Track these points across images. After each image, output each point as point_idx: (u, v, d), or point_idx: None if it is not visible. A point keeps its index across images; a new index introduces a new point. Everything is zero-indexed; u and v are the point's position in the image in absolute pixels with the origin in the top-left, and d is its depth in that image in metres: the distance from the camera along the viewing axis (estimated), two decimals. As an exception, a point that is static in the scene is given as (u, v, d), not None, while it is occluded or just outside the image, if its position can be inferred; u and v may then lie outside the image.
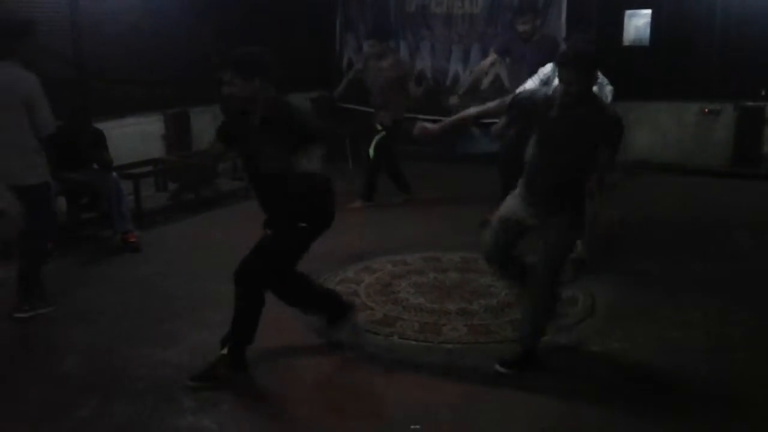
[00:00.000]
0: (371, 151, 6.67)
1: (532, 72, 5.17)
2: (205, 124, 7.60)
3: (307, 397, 3.38)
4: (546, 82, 4.88)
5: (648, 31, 8.21)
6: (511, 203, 3.56)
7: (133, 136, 6.71)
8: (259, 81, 3.33)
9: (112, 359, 3.76)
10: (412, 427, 3.10)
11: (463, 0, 8.47)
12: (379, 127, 6.68)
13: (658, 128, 8.32)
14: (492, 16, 8.30)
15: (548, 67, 4.97)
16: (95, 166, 5.70)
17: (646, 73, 8.13)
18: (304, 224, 3.50)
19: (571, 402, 3.30)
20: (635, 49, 8.26)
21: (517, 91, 4.69)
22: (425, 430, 3.09)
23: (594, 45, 3.40)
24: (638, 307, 4.34)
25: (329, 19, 9.14)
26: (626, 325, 4.08)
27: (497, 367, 3.53)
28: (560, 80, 3.22)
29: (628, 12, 8.27)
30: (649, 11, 8.20)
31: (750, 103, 7.84)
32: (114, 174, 5.67)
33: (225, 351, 3.49)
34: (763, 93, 7.83)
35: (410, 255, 5.26)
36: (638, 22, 8.27)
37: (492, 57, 6.42)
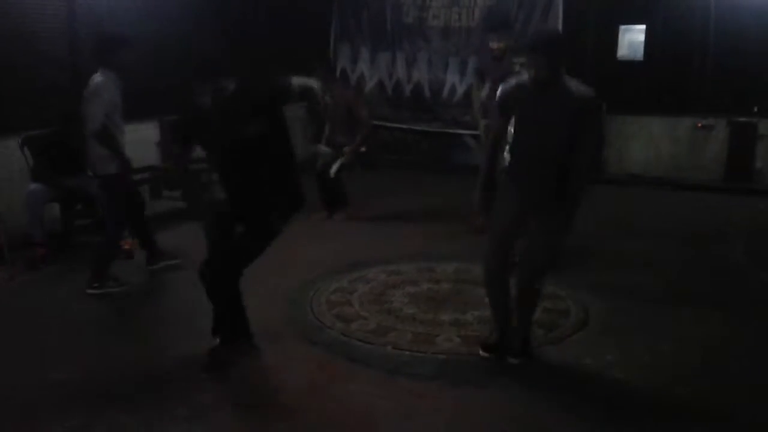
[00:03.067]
0: (333, 172, 6.64)
1: None
2: (200, 132, 7.63)
3: (301, 405, 3.37)
4: None
5: (642, 46, 8.29)
6: (503, 209, 3.57)
7: (128, 143, 6.67)
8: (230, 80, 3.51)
9: (105, 367, 3.74)
10: (404, 437, 3.11)
11: (459, 13, 8.53)
12: (345, 149, 6.66)
13: (651, 142, 8.39)
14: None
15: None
16: (90, 172, 5.69)
17: (640, 87, 8.20)
18: (279, 214, 3.58)
19: (564, 416, 3.29)
20: (629, 63, 8.33)
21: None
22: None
23: (559, 32, 3.54)
24: (631, 320, 4.35)
25: (324, 29, 9.17)
26: (619, 338, 4.09)
27: (511, 359, 3.68)
28: (530, 66, 3.33)
29: (622, 27, 8.34)
30: (643, 27, 8.27)
31: (743, 119, 7.92)
32: (108, 180, 5.66)
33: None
34: (756, 110, 7.91)
35: (404, 265, 5.27)
36: (633, 38, 8.34)
37: (479, 88, 6.21)
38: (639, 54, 8.27)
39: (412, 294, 4.71)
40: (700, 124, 8.13)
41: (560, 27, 7.92)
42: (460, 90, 8.52)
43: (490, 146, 3.71)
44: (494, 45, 5.89)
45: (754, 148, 7.89)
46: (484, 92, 6.01)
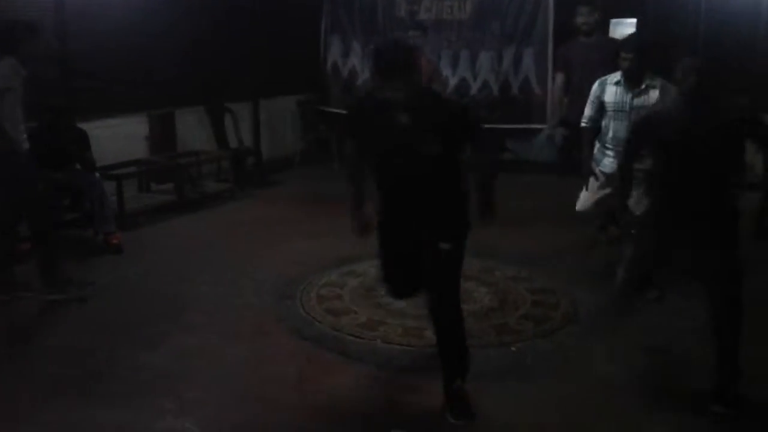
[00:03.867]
0: None
1: (597, 75, 4.75)
2: (190, 126, 7.60)
3: (290, 399, 3.37)
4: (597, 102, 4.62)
5: (633, 39, 8.27)
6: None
7: (117, 137, 6.65)
8: None
9: (95, 361, 3.72)
10: (393, 430, 3.10)
11: (451, 6, 8.50)
12: None
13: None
14: (480, 22, 8.34)
15: (595, 86, 4.64)
16: (78, 166, 5.66)
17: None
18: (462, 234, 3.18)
19: (553, 408, 3.31)
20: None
21: (583, 121, 4.67)
22: (407, 435, 3.09)
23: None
24: (621, 313, 4.36)
25: (316, 23, 9.14)
26: (608, 331, 4.10)
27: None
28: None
29: (613, 20, 8.33)
30: (634, 20, 8.27)
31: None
32: (97, 174, 5.64)
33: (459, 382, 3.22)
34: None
35: (395, 259, 5.26)
36: (624, 31, 8.34)
37: (560, 78, 5.94)
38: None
39: (403, 288, 4.70)
40: None
41: (551, 20, 7.91)
42: (453, 83, 8.50)
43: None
44: (582, 19, 5.59)
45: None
46: (559, 80, 5.83)
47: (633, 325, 4.16)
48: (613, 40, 5.42)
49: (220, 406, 3.31)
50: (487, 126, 5.92)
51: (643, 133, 3.30)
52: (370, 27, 8.91)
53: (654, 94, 4.40)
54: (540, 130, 8.07)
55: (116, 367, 3.66)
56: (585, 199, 4.87)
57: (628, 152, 3.55)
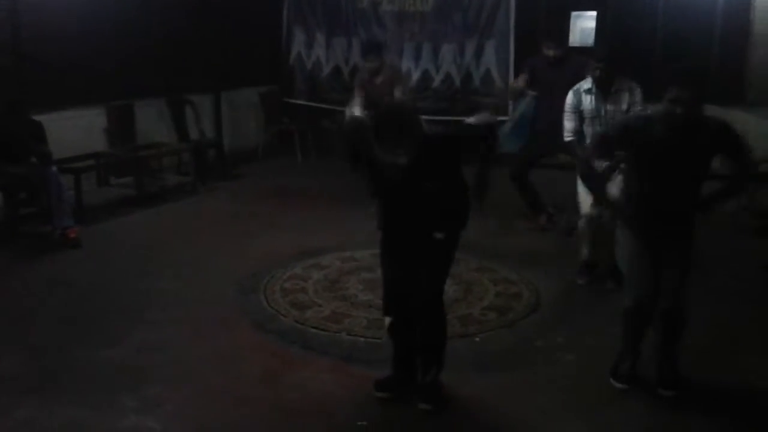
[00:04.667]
0: None
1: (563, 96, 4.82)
2: (150, 118, 7.46)
3: (255, 394, 3.34)
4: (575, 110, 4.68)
5: (593, 32, 8.37)
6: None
7: (74, 129, 6.50)
8: None
9: (52, 358, 3.65)
10: (358, 423, 3.11)
11: (414, -3, 8.48)
12: None
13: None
14: (442, 14, 8.34)
15: (570, 97, 4.71)
16: (33, 159, 5.52)
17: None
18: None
19: (517, 397, 3.34)
20: (581, 50, 8.40)
21: (567, 135, 4.71)
22: (372, 427, 3.09)
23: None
24: (584, 303, 4.42)
25: (278, 13, 9.04)
26: (571, 320, 4.16)
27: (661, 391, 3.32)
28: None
29: (574, 13, 8.41)
30: (594, 13, 8.36)
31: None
32: (54, 168, 5.50)
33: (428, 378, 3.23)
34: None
35: (359, 251, 5.25)
36: (584, 24, 8.42)
37: (522, 78, 5.96)
38: (590, 41, 8.36)
39: (367, 280, 4.70)
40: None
41: (513, 13, 7.94)
42: (415, 75, 8.49)
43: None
44: (551, 52, 5.58)
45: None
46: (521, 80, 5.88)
47: (595, 314, 4.22)
48: (579, 59, 5.51)
49: (184, 403, 3.27)
50: (448, 119, 5.96)
51: (621, 137, 3.35)
52: (333, 18, 8.85)
53: (624, 97, 4.57)
54: (502, 122, 8.11)
55: (74, 364, 3.58)
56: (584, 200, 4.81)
57: (601, 148, 3.54)
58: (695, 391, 3.36)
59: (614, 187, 3.63)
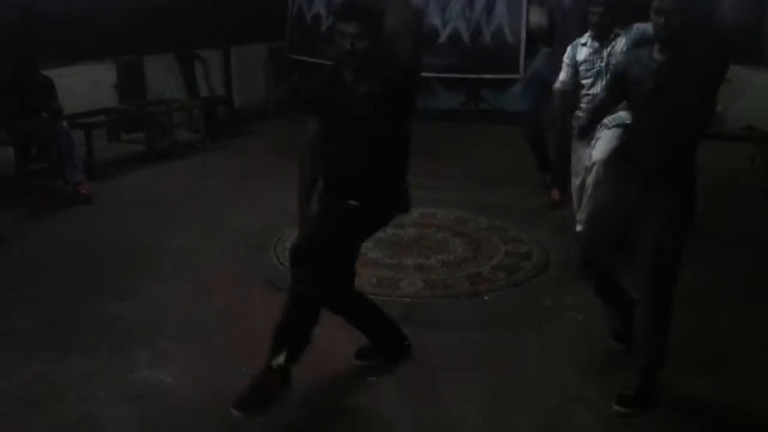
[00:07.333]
0: None
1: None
2: (159, 73, 7.40)
3: (265, 350, 3.37)
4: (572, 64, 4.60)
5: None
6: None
7: (84, 85, 6.48)
8: None
9: (65, 313, 3.69)
10: (368, 378, 3.15)
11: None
12: None
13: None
14: None
15: (568, 49, 4.64)
16: (45, 114, 5.52)
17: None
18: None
19: (525, 356, 3.37)
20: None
21: (558, 84, 4.64)
22: (381, 383, 3.14)
23: None
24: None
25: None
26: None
27: (615, 407, 2.91)
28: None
29: None
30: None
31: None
32: (64, 123, 5.50)
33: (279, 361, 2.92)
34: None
35: (369, 210, 5.24)
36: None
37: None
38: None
39: (377, 239, 4.66)
40: None
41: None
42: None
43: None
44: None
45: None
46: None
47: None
48: None
49: (195, 358, 3.31)
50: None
51: (611, 82, 3.20)
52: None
53: (621, 42, 4.42)
54: (515, 80, 8.01)
55: (86, 319, 3.63)
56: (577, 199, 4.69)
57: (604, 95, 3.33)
58: (697, 350, 3.36)
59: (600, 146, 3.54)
